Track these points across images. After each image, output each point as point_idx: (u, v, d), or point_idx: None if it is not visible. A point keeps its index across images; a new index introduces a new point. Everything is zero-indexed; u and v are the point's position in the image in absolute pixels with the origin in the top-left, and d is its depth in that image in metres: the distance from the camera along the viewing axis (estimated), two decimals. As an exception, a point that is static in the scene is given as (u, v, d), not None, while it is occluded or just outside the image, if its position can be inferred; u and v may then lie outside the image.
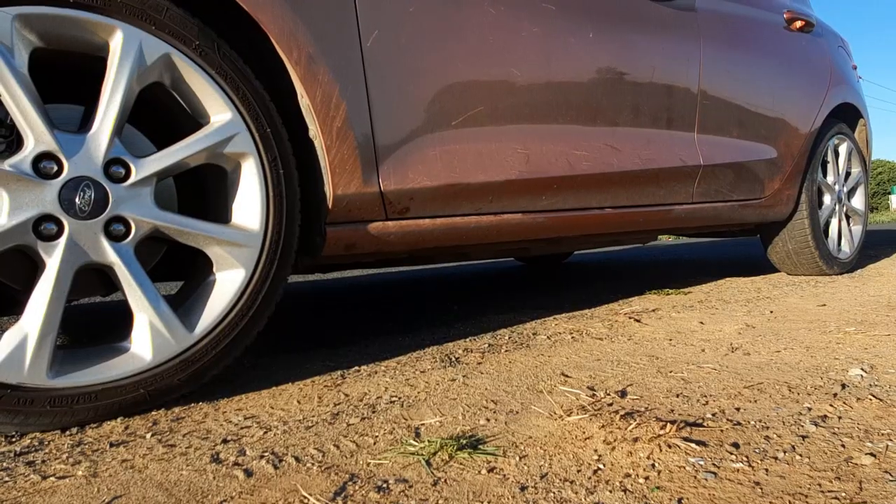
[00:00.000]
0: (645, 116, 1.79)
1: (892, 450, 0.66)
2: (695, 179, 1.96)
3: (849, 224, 2.69)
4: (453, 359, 1.28)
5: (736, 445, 0.68)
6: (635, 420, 0.77)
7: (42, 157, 0.91)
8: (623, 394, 0.93)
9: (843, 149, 2.66)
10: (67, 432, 0.86)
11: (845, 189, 2.69)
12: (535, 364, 1.20)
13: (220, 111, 1.06)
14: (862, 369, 1.02)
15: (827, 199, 2.59)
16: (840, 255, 2.60)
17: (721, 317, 1.66)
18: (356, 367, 1.23)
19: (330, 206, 1.20)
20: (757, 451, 0.67)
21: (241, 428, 0.86)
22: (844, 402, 0.82)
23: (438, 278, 3.31)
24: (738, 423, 0.76)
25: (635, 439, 0.70)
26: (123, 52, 0.97)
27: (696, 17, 1.98)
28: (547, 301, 2.15)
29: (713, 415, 0.80)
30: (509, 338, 1.49)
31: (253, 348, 1.45)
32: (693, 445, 0.67)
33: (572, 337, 1.46)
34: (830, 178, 2.60)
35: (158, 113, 1.12)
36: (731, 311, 1.75)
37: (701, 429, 0.74)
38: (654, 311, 1.83)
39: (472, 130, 1.39)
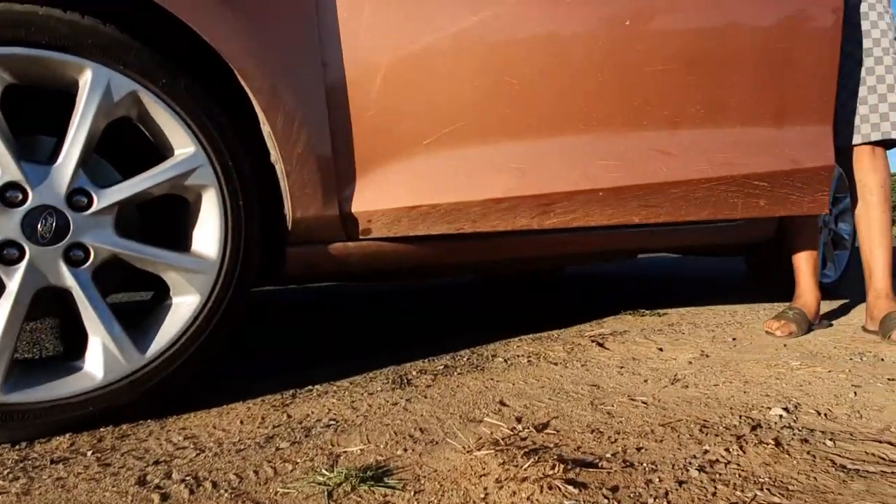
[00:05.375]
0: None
1: (758, 500, 0.71)
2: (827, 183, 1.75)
3: (834, 249, 2.70)
4: (405, 380, 1.34)
5: (614, 489, 0.73)
6: (535, 457, 0.82)
7: (8, 187, 0.97)
8: (543, 427, 0.98)
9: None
10: (17, 447, 0.93)
11: (832, 214, 2.69)
12: (480, 389, 1.25)
13: (183, 145, 1.12)
14: (785, 409, 1.06)
15: (812, 223, 2.59)
16: (823, 280, 2.61)
17: (683, 343, 1.70)
18: (309, 387, 1.29)
19: (290, 227, 1.26)
20: (631, 496, 0.72)
21: (178, 448, 0.93)
22: (742, 447, 0.87)
23: (418, 292, 3.36)
24: (630, 465, 0.80)
25: (524, 479, 0.75)
26: (91, 89, 1.03)
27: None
28: (520, 319, 2.20)
29: (613, 454, 0.85)
30: (468, 359, 1.54)
31: (216, 361, 1.52)
32: (572, 488, 0.72)
33: (528, 361, 1.51)
34: (816, 203, 2.61)
35: (126, 143, 1.19)
36: (695, 337, 1.78)
37: (590, 470, 0.78)
38: (622, 333, 1.87)
39: (447, 148, 1.36)
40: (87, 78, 1.03)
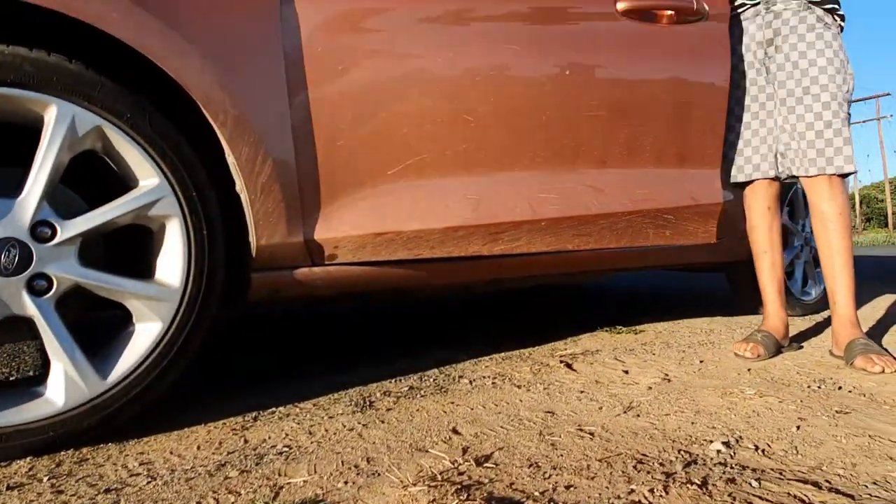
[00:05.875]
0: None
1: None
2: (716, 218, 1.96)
3: (815, 267, 2.72)
4: (368, 402, 1.37)
5: (531, 532, 0.76)
6: (465, 495, 0.85)
7: (-28, 221, 1.01)
8: (485, 460, 1.01)
9: (813, 192, 2.68)
10: (-25, 472, 0.97)
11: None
12: (439, 414, 1.28)
13: (148, 176, 1.16)
14: (725, 443, 1.08)
15: (793, 240, 2.62)
16: (804, 297, 2.63)
17: (650, 365, 1.72)
18: (273, 409, 1.33)
19: (254, 254, 1.29)
20: (546, 539, 0.75)
21: (132, 475, 0.96)
22: (667, 487, 0.89)
23: (403, 305, 3.39)
24: (554, 505, 0.84)
25: (447, 519, 0.78)
26: (56, 125, 1.07)
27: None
28: (497, 336, 2.23)
29: (542, 493, 0.88)
30: (434, 380, 1.57)
31: (189, 380, 1.56)
32: (489, 531, 0.75)
33: (493, 383, 1.54)
34: (798, 221, 2.64)
35: (92, 172, 1.22)
36: (664, 358, 1.81)
37: (514, 510, 0.82)
38: (594, 353, 1.90)
39: (409, 179, 1.45)
40: (53, 114, 1.07)
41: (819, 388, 1.46)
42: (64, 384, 1.06)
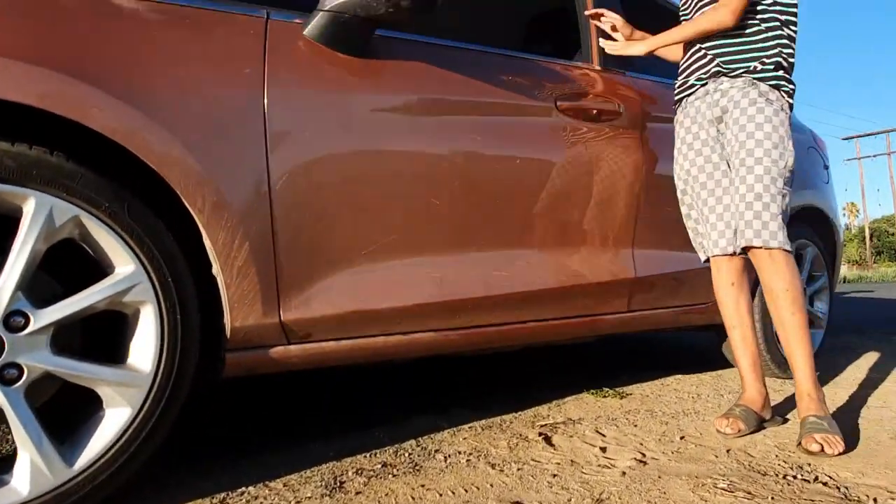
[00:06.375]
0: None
1: None
2: (629, 290, 2.04)
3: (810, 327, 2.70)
4: (338, 483, 1.38)
5: None
6: None
7: (-55, 314, 1.03)
8: (440, 568, 1.01)
9: (807, 254, 2.69)
10: (-67, 570, 0.98)
11: (807, 294, 2.70)
12: (406, 501, 1.28)
13: (123, 263, 1.17)
14: (687, 552, 1.08)
15: (785, 303, 2.61)
16: (795, 361, 2.61)
17: (629, 441, 1.72)
18: (242, 489, 1.33)
19: (228, 335, 1.31)
20: None
21: (87, 575, 0.97)
22: None
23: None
24: None
25: None
26: (34, 217, 1.09)
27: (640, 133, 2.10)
28: (481, 397, 2.22)
29: None
30: (409, 455, 1.57)
31: (163, 453, 1.56)
32: None
33: (468, 460, 1.54)
34: (790, 284, 2.63)
35: (68, 256, 1.25)
36: (645, 432, 1.80)
37: None
38: (575, 422, 1.89)
39: (382, 259, 1.49)
40: (31, 206, 1.09)
41: (795, 478, 1.45)
42: (30, 473, 1.07)
